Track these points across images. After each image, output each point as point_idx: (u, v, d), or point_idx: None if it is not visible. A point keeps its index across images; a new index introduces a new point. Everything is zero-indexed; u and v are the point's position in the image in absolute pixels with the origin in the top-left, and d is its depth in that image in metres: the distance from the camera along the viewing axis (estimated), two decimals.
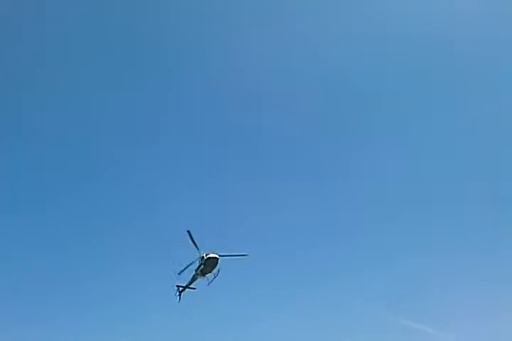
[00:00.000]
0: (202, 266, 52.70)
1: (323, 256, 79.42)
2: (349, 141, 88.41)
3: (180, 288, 56.72)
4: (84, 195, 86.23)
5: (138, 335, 67.01)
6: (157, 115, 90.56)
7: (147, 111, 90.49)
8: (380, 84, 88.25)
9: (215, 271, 52.93)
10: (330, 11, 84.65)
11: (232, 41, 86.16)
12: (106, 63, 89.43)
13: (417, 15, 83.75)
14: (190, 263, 53.12)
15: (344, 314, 70.66)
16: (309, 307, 69.92)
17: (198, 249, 52.71)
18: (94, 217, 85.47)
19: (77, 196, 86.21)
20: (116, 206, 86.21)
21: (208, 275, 53.54)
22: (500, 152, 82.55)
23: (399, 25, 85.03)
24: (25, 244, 77.34)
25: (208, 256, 52.45)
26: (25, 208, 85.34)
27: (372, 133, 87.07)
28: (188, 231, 51.97)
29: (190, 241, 51.98)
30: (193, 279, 55.17)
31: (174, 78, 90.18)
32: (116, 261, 79.24)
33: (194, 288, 56.34)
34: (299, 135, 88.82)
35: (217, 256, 52.19)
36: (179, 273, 53.20)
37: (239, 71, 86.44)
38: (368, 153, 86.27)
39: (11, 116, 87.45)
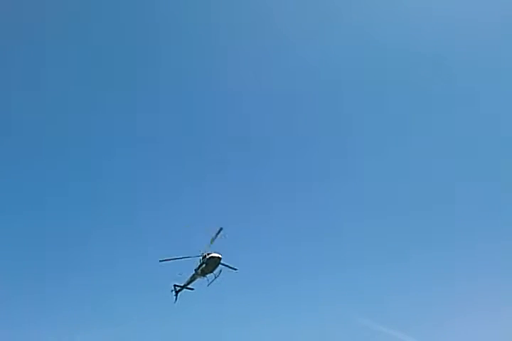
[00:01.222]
0: (203, 265, 50.44)
1: (301, 258, 76.38)
2: (345, 143, 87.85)
3: (178, 288, 54.38)
4: (83, 193, 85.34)
5: (133, 335, 65.12)
6: (158, 114, 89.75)
7: (148, 110, 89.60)
8: (377, 85, 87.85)
9: (216, 271, 50.68)
10: (328, 12, 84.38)
11: (231, 43, 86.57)
12: (108, 63, 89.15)
13: (414, 19, 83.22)
14: (181, 257, 50.25)
15: (317, 317, 68.77)
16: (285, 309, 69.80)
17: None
18: (91, 216, 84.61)
19: (78, 194, 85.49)
20: (114, 204, 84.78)
21: (208, 275, 51.29)
22: (497, 152, 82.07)
23: (395, 28, 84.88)
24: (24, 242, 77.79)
25: (210, 255, 50.22)
26: (23, 207, 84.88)
27: (371, 134, 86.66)
28: (221, 228, 49.44)
29: (214, 236, 49.64)
30: (192, 279, 52.80)
31: (174, 79, 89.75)
32: (113, 259, 77.44)
33: (192, 289, 53.94)
34: (294, 137, 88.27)
35: (219, 256, 49.92)
36: (161, 261, 49.67)
37: (236, 72, 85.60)
38: (360, 154, 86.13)
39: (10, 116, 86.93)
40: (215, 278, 50.76)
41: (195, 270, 52.11)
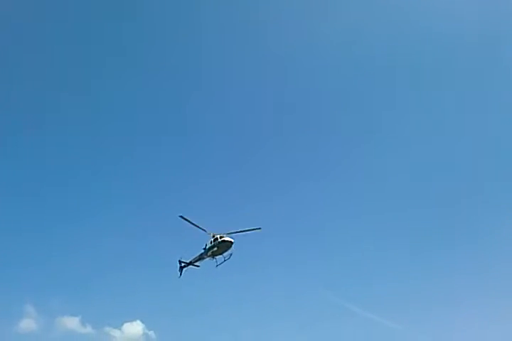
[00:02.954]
0: (215, 248, 51.94)
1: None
2: (354, 140, 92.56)
3: (183, 264, 56.18)
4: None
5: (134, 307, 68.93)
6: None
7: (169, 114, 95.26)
8: (383, 86, 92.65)
9: (226, 253, 52.35)
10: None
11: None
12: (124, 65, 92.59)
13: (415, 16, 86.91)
14: (199, 226, 51.86)
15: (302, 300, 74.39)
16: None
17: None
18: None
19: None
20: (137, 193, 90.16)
21: (217, 256, 52.93)
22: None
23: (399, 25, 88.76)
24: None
25: (222, 239, 51.68)
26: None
27: (380, 132, 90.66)
28: (259, 228, 51.75)
29: (246, 229, 51.53)
30: (200, 258, 54.60)
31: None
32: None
33: (198, 266, 55.90)
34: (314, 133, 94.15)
35: (232, 240, 51.54)
36: (181, 217, 51.31)
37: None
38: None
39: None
40: (225, 260, 52.45)
41: (203, 249, 53.78)
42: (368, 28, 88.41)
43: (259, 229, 51.57)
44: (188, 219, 51.33)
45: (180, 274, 56.18)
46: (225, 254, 52.40)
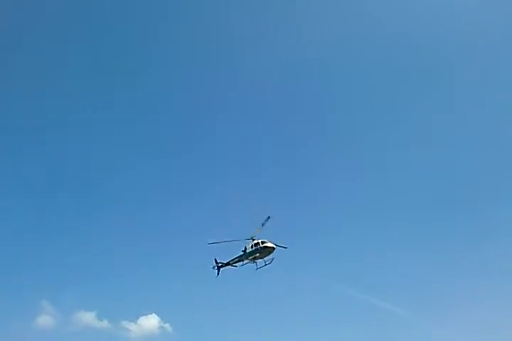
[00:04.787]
0: (257, 254, 52.90)
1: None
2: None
3: (220, 264, 57.08)
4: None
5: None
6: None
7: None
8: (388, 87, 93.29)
9: (267, 258, 53.36)
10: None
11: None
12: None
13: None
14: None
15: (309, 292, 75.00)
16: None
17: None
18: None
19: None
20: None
21: (258, 260, 53.79)
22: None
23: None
24: None
25: (264, 244, 53.04)
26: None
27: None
28: (268, 217, 53.67)
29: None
30: (239, 260, 55.95)
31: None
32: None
33: (235, 266, 56.96)
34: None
35: (274, 246, 52.82)
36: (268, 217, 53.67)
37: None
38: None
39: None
40: (266, 264, 53.86)
41: (242, 251, 54.81)
42: None
43: (286, 247, 53.90)
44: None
45: (218, 274, 57.49)
46: (266, 259, 53.56)
